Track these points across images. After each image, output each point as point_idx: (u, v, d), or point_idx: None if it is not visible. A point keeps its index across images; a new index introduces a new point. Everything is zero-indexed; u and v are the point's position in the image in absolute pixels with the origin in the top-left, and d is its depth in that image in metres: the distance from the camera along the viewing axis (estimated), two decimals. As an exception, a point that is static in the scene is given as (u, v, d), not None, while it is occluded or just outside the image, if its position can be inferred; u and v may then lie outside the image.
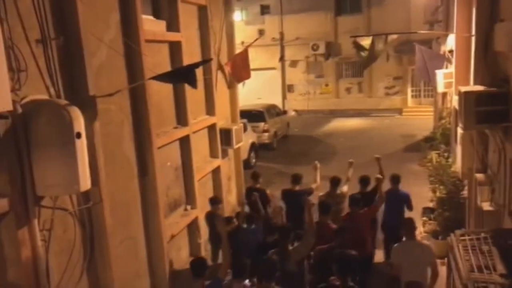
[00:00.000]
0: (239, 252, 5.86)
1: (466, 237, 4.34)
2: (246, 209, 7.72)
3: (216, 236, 6.71)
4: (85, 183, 4.38)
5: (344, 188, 7.46)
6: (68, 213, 4.90)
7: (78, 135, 4.22)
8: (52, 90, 4.67)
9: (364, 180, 7.34)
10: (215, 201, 7.52)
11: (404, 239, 5.68)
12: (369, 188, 7.26)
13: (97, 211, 5.27)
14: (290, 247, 5.29)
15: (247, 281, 4.54)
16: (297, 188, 7.47)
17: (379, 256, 7.36)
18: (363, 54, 7.59)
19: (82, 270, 5.15)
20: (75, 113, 4.28)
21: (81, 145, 4.29)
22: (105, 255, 5.40)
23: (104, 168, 5.36)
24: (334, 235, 5.60)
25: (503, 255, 3.83)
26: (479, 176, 6.13)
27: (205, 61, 7.67)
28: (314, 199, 6.92)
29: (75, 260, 5.03)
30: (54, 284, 4.64)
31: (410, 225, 5.63)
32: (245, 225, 6.66)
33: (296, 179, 7.52)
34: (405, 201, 7.28)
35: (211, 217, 7.20)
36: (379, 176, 6.99)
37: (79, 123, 4.28)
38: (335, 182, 7.38)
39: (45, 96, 4.55)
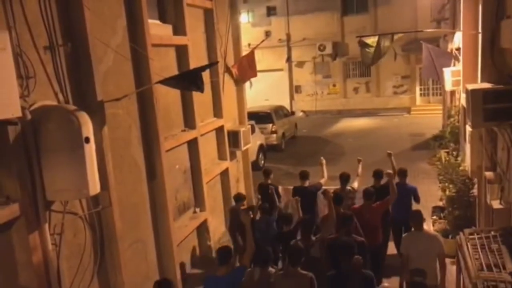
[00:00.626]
0: (260, 241, 6.21)
1: (475, 236, 4.33)
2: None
3: (236, 228, 7.08)
4: (95, 187, 4.43)
5: (355, 184, 7.60)
6: (78, 217, 4.97)
7: (87, 140, 4.28)
8: (60, 96, 4.74)
9: (377, 174, 7.47)
10: (239, 198, 7.69)
11: (412, 230, 5.81)
12: (382, 182, 7.39)
13: (106, 215, 5.33)
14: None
15: (270, 268, 4.88)
16: (307, 184, 7.74)
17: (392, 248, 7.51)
18: (368, 50, 7.57)
19: (92, 273, 5.20)
20: (84, 118, 4.33)
21: (90, 149, 4.34)
22: (115, 259, 5.46)
23: (113, 172, 5.42)
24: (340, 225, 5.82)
25: (513, 253, 3.81)
26: (489, 174, 6.09)
27: (212, 64, 7.71)
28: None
29: (86, 264, 5.09)
30: (65, 288, 4.70)
31: (418, 216, 5.77)
32: (257, 217, 7.08)
33: (304, 175, 7.80)
34: (413, 194, 7.48)
35: (234, 213, 7.39)
36: (389, 171, 7.11)
37: (88, 128, 4.34)
38: (344, 178, 7.51)
39: (53, 102, 4.62)
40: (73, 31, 4.94)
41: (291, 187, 8.00)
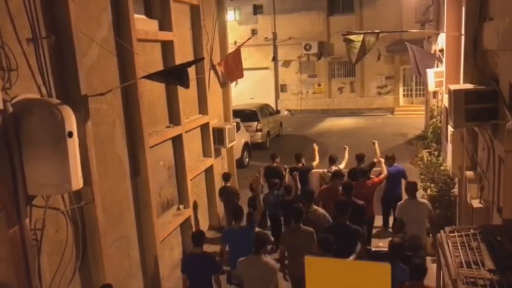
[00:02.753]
0: (269, 209, 7.73)
1: (456, 234, 4.39)
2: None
3: (231, 205, 7.93)
4: (77, 182, 4.38)
5: (341, 165, 8.66)
6: (60, 213, 4.90)
7: (70, 134, 4.22)
8: (43, 89, 4.67)
9: (360, 157, 8.59)
10: (226, 176, 8.99)
11: (407, 197, 6.83)
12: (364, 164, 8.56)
13: (89, 210, 5.28)
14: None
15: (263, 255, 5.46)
16: (300, 165, 8.83)
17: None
18: (353, 46, 7.63)
19: (74, 269, 5.14)
20: (67, 112, 4.27)
21: (73, 144, 4.29)
22: (98, 255, 5.40)
23: (96, 167, 5.36)
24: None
25: (491, 251, 3.88)
26: (469, 173, 6.20)
27: (197, 60, 7.68)
28: (315, 175, 8.85)
29: (67, 260, 5.03)
30: (46, 284, 4.64)
31: (413, 187, 6.91)
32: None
33: (299, 157, 8.97)
34: (403, 175, 8.52)
35: (224, 191, 8.74)
36: (380, 159, 8.43)
37: (71, 122, 4.28)
38: (332, 159, 8.73)
39: (36, 95, 4.55)
40: (57, 24, 4.87)
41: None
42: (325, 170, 8.62)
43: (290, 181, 8.19)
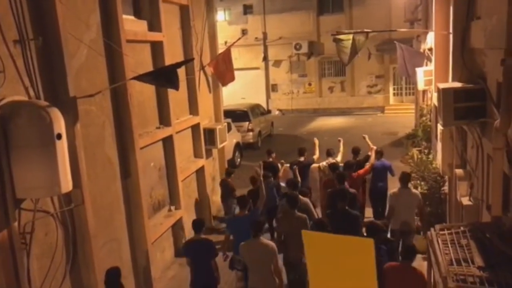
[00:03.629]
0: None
1: (446, 231, 4.41)
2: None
3: (227, 196, 8.90)
4: (66, 184, 4.34)
5: (338, 158, 9.07)
6: (50, 216, 4.85)
7: (59, 136, 4.19)
8: (31, 91, 4.62)
9: (355, 151, 9.20)
10: (229, 172, 9.67)
11: (399, 187, 7.20)
12: (359, 157, 9.13)
13: (79, 213, 5.23)
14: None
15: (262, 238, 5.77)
16: (302, 159, 9.18)
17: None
18: (343, 45, 7.65)
19: (64, 273, 5.10)
20: (55, 114, 4.24)
21: (62, 146, 4.25)
22: (88, 258, 5.36)
23: (86, 169, 5.32)
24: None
25: (481, 248, 3.91)
26: (459, 171, 6.24)
27: (187, 61, 7.63)
28: (315, 168, 9.20)
29: (57, 263, 4.98)
30: (36, 288, 4.59)
31: (406, 177, 7.34)
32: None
33: (302, 151, 9.34)
34: (389, 169, 8.87)
35: (224, 184, 9.31)
36: (373, 147, 8.89)
37: (60, 124, 4.24)
38: (329, 153, 9.13)
39: (24, 98, 4.50)
40: (45, 25, 4.82)
41: (288, 164, 9.47)
42: (324, 163, 8.98)
43: (288, 175, 8.77)
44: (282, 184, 8.79)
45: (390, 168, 8.94)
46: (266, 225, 8.00)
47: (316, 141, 9.78)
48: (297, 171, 8.43)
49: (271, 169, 8.90)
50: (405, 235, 6.24)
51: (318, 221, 6.33)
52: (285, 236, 6.40)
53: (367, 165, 8.56)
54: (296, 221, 6.26)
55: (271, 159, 9.65)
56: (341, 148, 9.46)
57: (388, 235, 6.88)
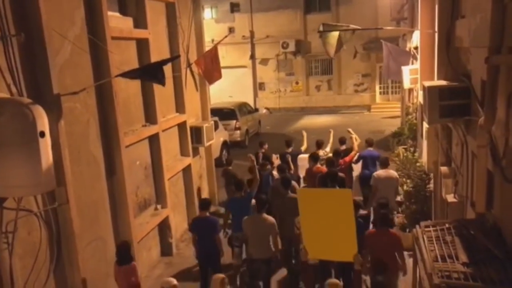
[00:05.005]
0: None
1: (431, 228, 4.45)
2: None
3: (229, 183, 8.92)
4: (50, 183, 4.28)
5: (327, 149, 9.73)
6: (33, 214, 4.78)
7: (42, 134, 4.12)
8: (13, 88, 4.54)
9: (341, 141, 9.93)
10: (228, 161, 9.94)
11: (379, 169, 8.20)
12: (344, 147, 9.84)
13: (63, 211, 5.16)
14: None
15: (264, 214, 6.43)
16: (290, 150, 9.82)
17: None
18: (328, 38, 7.71)
19: (48, 272, 5.03)
20: (38, 111, 4.17)
21: (45, 144, 4.18)
22: (73, 257, 5.30)
23: (70, 167, 5.26)
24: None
25: (465, 244, 3.95)
26: (444, 169, 6.30)
27: (173, 58, 7.61)
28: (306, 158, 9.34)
29: (41, 263, 4.91)
30: (18, 287, 4.52)
31: (385, 160, 8.41)
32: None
33: (289, 143, 10.02)
34: (377, 159, 9.29)
35: (226, 172, 9.43)
36: (352, 136, 9.64)
37: (43, 122, 4.18)
38: (319, 144, 9.76)
39: (6, 95, 4.42)
40: (27, 21, 4.74)
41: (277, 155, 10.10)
42: (323, 152, 9.49)
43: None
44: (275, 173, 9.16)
45: (378, 157, 9.40)
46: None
47: (304, 133, 10.55)
48: (290, 159, 9.16)
49: (265, 159, 9.43)
50: (382, 206, 6.69)
51: None
52: (280, 215, 6.90)
53: (352, 153, 9.30)
54: (289, 201, 6.72)
55: (263, 150, 10.13)
56: (331, 139, 10.13)
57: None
